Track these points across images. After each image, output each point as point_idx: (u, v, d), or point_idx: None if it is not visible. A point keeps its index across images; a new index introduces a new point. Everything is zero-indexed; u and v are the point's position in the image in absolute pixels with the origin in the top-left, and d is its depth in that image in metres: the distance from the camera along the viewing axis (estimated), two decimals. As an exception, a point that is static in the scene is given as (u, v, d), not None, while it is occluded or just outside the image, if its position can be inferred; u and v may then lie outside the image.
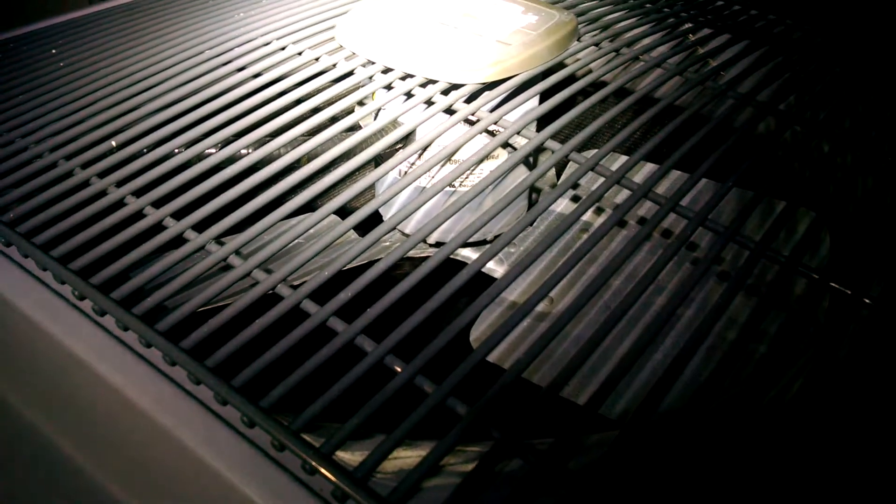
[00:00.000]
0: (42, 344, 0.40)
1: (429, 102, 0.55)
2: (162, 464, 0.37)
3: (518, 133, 0.52)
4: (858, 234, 0.59)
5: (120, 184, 0.46)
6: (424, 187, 0.66)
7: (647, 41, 0.65)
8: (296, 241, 0.43)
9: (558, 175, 0.82)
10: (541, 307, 0.60)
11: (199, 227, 0.43)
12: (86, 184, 0.47)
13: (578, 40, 0.64)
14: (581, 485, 0.32)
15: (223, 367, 0.35)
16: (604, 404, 0.36)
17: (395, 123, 0.55)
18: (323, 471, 0.32)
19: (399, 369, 0.36)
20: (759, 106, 0.57)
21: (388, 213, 0.69)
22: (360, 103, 0.57)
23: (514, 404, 0.35)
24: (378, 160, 0.70)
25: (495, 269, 0.72)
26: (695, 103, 0.55)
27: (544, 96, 0.57)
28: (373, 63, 0.58)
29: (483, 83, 0.56)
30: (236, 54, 0.60)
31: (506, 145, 0.64)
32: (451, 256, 0.45)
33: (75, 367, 0.38)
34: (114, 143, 0.50)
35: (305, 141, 0.51)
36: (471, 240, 0.45)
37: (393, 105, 0.55)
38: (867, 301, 0.42)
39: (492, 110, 0.54)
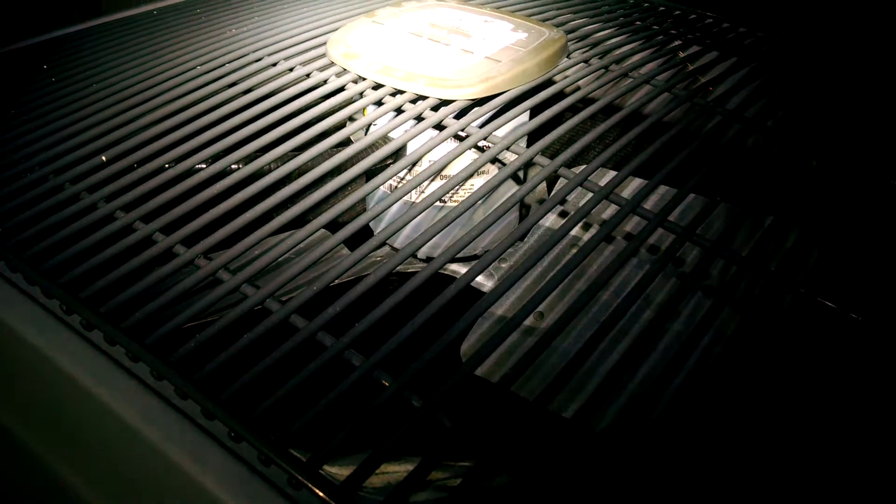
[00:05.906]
0: (28, 358, 0.40)
1: (419, 118, 0.56)
2: (147, 478, 0.37)
3: (507, 149, 0.53)
4: (846, 250, 0.59)
5: (109, 199, 0.46)
6: (414, 202, 0.66)
7: (636, 58, 0.65)
8: (285, 255, 0.43)
9: (548, 190, 0.82)
10: (530, 322, 0.60)
11: (189, 241, 0.44)
12: (75, 198, 0.47)
13: (568, 57, 0.64)
14: (568, 499, 0.32)
15: (211, 382, 0.35)
16: (590, 418, 0.36)
17: (385, 139, 0.55)
18: (309, 485, 0.31)
19: (387, 383, 0.36)
20: (748, 122, 0.58)
21: (377, 228, 0.69)
22: (351, 119, 0.57)
23: (502, 418, 0.35)
24: (368, 175, 0.70)
25: (485, 283, 0.72)
26: (683, 120, 0.56)
27: (534, 112, 0.57)
28: (364, 79, 0.59)
29: (473, 99, 0.57)
30: (228, 70, 0.60)
31: (495, 161, 0.65)
32: (441, 271, 0.45)
33: (62, 380, 0.38)
34: (104, 158, 0.50)
35: (296, 156, 0.51)
36: (460, 254, 0.45)
37: (383, 121, 0.56)
38: (854, 316, 0.42)
39: (481, 126, 0.54)
